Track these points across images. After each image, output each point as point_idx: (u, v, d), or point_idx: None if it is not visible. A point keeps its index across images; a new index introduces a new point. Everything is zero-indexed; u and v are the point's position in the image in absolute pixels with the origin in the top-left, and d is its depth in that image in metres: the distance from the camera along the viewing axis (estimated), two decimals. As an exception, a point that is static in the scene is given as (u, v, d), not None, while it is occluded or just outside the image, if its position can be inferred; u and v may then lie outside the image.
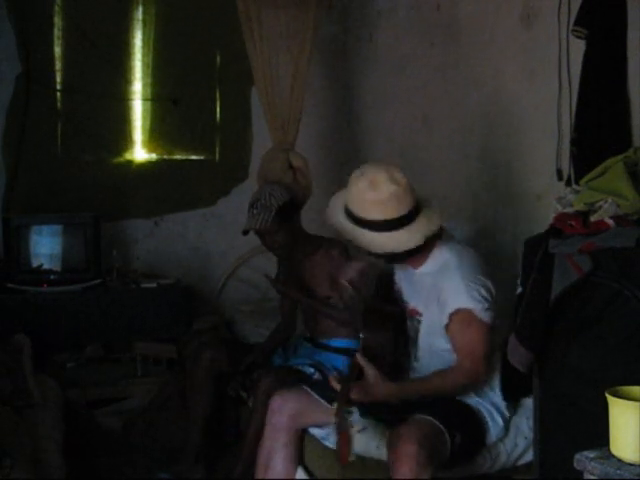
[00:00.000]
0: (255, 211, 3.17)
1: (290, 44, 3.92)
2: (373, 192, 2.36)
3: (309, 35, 3.90)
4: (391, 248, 2.40)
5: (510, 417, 2.50)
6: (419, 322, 2.52)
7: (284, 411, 2.54)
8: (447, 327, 2.42)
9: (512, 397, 2.47)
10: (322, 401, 2.53)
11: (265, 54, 3.90)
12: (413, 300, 2.55)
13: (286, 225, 3.18)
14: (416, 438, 2.17)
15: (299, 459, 2.58)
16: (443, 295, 2.41)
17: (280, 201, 3.18)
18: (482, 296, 2.38)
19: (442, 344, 2.46)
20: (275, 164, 3.84)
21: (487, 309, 2.38)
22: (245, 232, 3.27)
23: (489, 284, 2.42)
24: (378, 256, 2.52)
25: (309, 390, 2.56)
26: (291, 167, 3.85)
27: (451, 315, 2.40)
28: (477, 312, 2.37)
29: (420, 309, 2.51)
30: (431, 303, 2.46)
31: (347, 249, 3.28)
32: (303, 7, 3.90)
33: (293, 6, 3.90)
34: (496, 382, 2.51)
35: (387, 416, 2.45)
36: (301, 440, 2.59)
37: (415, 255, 2.47)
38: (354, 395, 2.25)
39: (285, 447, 2.54)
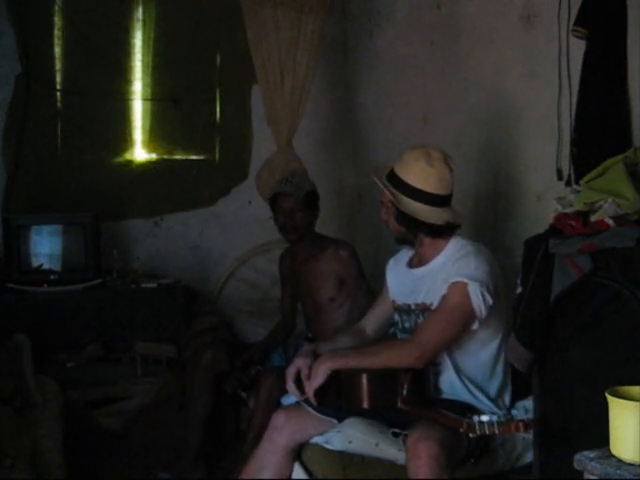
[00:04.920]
0: (289, 183, 3.23)
1: (295, 44, 3.94)
2: (431, 168, 2.44)
3: (315, 36, 3.93)
4: (435, 220, 2.45)
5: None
6: None
7: (286, 430, 2.53)
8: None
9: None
10: (323, 417, 2.52)
11: (269, 54, 3.92)
12: (428, 296, 2.51)
13: (308, 210, 3.25)
14: (438, 439, 2.16)
15: (290, 474, 2.57)
16: (452, 272, 2.40)
17: (310, 186, 3.29)
18: (485, 284, 2.36)
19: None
20: (291, 165, 3.89)
21: (483, 298, 2.34)
22: (272, 198, 3.29)
23: (494, 284, 2.41)
24: (399, 240, 2.58)
25: (308, 408, 2.53)
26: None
27: (449, 285, 2.38)
28: (471, 289, 2.34)
29: (434, 301, 2.46)
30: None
31: (355, 250, 3.29)
32: (308, 8, 3.92)
33: (299, 7, 3.92)
34: (496, 384, 2.52)
35: (389, 415, 2.45)
36: (297, 455, 2.57)
37: (437, 239, 2.50)
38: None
39: (279, 464, 2.53)
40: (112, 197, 4.46)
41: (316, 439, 2.54)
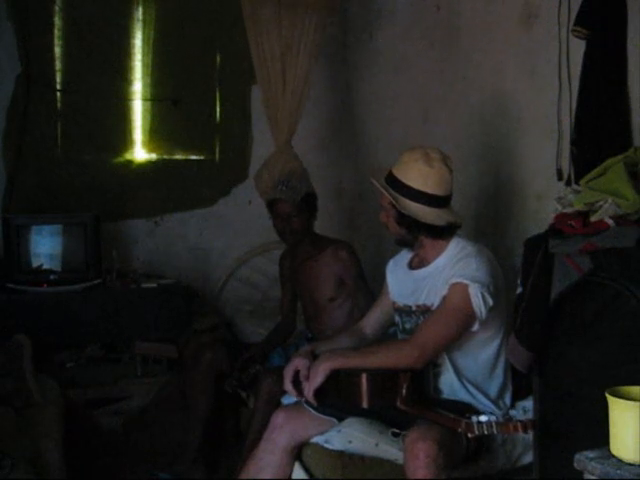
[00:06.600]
0: (285, 187, 3.22)
1: (295, 44, 3.94)
2: (430, 168, 2.44)
3: (313, 36, 3.92)
4: (435, 221, 2.45)
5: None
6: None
7: (285, 429, 2.52)
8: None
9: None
10: (323, 417, 2.52)
11: (268, 54, 3.92)
12: (429, 297, 2.51)
13: (306, 213, 3.24)
14: (436, 439, 2.16)
15: (290, 474, 2.57)
16: (453, 273, 2.40)
17: (308, 188, 3.27)
18: (486, 285, 2.35)
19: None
20: (289, 165, 3.88)
21: (483, 300, 2.33)
22: (269, 203, 3.29)
23: (495, 285, 2.41)
24: (400, 242, 2.57)
25: (308, 408, 2.53)
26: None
27: (450, 286, 2.37)
28: (472, 291, 2.33)
29: (435, 302, 2.46)
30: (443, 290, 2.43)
31: (354, 250, 3.29)
32: (308, 8, 3.91)
33: (298, 7, 3.92)
34: (496, 384, 2.52)
35: (389, 415, 2.45)
36: (297, 455, 2.57)
37: (437, 240, 2.50)
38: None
39: (279, 464, 2.53)
40: (112, 197, 4.46)
41: (316, 439, 2.53)
